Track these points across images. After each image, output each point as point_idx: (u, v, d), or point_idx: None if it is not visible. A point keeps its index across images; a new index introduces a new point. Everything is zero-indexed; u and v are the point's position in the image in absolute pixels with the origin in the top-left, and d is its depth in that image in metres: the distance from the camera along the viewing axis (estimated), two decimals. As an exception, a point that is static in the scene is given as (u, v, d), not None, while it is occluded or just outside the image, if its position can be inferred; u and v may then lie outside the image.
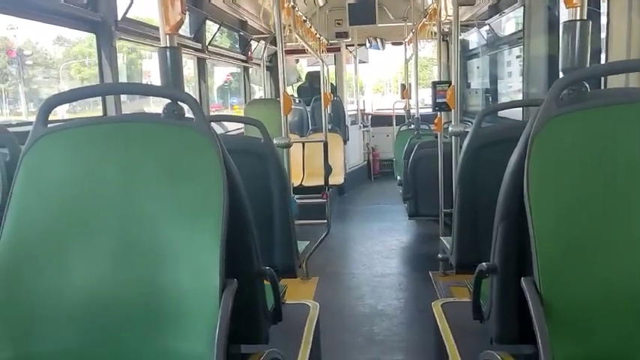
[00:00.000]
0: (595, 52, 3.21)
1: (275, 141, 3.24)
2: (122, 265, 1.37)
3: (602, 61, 2.95)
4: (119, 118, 1.73)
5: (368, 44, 8.94)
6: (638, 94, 1.39)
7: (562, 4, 1.59)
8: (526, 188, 1.31)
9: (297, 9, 5.14)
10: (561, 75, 1.55)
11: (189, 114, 1.42)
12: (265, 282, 1.80)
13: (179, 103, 1.43)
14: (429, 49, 8.71)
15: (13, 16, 2.67)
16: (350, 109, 9.25)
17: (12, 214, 1.37)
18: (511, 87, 6.08)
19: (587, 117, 1.32)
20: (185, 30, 4.95)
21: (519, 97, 4.98)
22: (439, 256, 4.15)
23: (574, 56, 1.46)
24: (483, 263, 1.59)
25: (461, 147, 2.80)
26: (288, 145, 3.31)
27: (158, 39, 1.63)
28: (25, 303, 1.36)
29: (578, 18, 1.46)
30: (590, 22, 1.46)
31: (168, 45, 1.56)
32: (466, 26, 6.62)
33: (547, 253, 1.28)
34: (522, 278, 1.31)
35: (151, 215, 1.37)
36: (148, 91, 1.67)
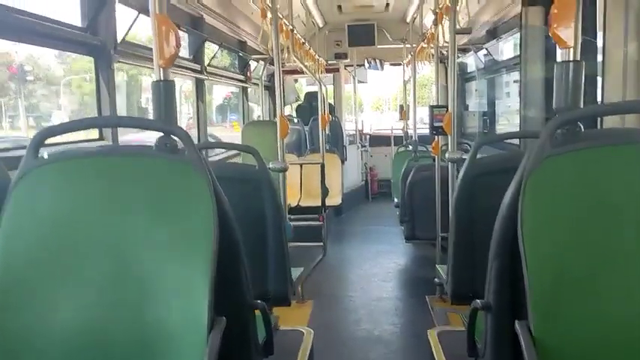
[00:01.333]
0: (592, 78, 3.23)
1: (271, 165, 3.24)
2: (110, 300, 1.36)
3: (599, 91, 2.96)
4: (111, 151, 1.72)
5: (367, 65, 9.00)
6: (633, 136, 1.39)
7: None
8: (520, 227, 1.31)
9: (295, 32, 5.18)
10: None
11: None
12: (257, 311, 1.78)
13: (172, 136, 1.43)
14: (428, 69, 8.77)
15: (13, 40, 2.68)
16: (348, 128, 9.28)
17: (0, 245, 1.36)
18: (510, 107, 6.10)
19: (581, 157, 1.32)
20: (184, 51, 4.98)
21: (517, 119, 5.00)
22: (436, 280, 4.11)
23: (567, 96, 1.47)
24: (478, 301, 1.58)
25: (458, 172, 2.80)
26: (284, 170, 3.31)
27: None
28: (11, 335, 1.34)
29: (571, 59, 1.47)
30: (584, 63, 1.46)
31: (162, 78, 1.56)
32: (464, 50, 6.67)
33: (541, 295, 1.27)
34: (516, 322, 1.30)
35: (140, 250, 1.36)
36: (141, 124, 1.67)
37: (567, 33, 1.44)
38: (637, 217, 1.29)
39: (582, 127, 1.37)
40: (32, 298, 1.35)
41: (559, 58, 1.49)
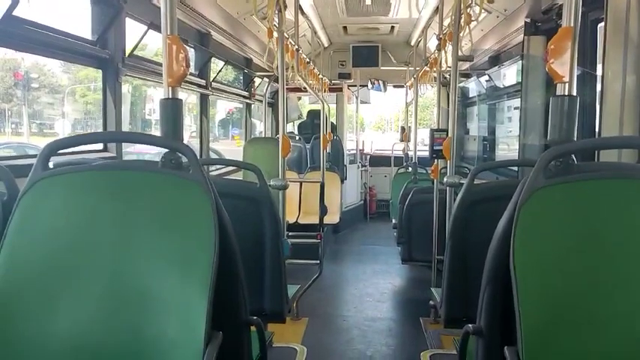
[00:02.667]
0: (591, 109, 3.29)
1: (272, 182, 3.28)
2: (110, 313, 1.38)
3: (597, 121, 3.00)
4: (117, 165, 1.76)
5: (370, 85, 9.08)
6: (624, 171, 1.43)
7: None
8: (512, 256, 1.34)
9: (301, 51, 5.25)
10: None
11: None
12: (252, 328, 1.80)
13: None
14: (430, 92, 8.85)
15: (24, 51, 2.74)
16: (349, 147, 9.34)
17: (4, 254, 1.39)
18: (510, 132, 6.15)
19: (573, 189, 1.35)
20: (190, 67, 5.04)
21: (516, 144, 5.05)
22: (430, 302, 4.13)
23: (561, 130, 1.51)
24: (470, 325, 1.60)
25: (456, 196, 2.83)
26: (284, 188, 3.34)
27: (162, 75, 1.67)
28: (12, 345, 1.36)
29: (566, 94, 1.51)
30: (578, 98, 1.51)
31: (170, 96, 1.61)
32: (466, 75, 6.75)
33: (531, 324, 1.29)
34: (506, 348, 1.32)
35: (140, 264, 1.39)
36: (147, 140, 1.71)
37: (563, 68, 1.48)
38: (627, 250, 1.32)
39: (576, 159, 1.41)
40: (33, 308, 1.37)
41: (558, 90, 1.53)
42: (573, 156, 1.41)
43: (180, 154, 1.49)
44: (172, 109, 1.60)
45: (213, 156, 5.84)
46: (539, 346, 1.28)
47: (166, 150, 1.50)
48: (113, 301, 1.38)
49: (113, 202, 1.43)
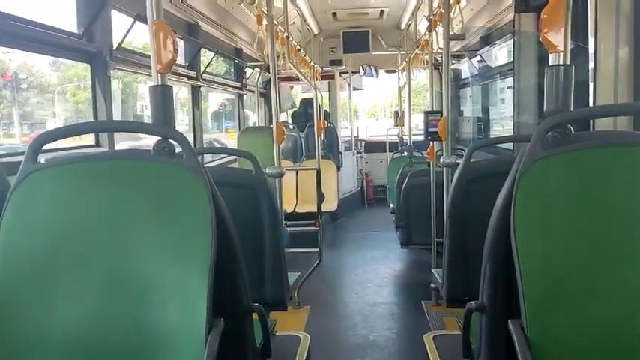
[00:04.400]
0: (583, 83, 3.27)
1: (267, 171, 3.26)
2: (109, 303, 1.37)
3: (590, 95, 2.99)
4: (109, 155, 1.74)
5: (362, 72, 9.04)
6: (622, 138, 1.42)
7: None
8: (512, 229, 1.33)
9: (291, 38, 5.21)
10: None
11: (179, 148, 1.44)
12: (254, 315, 1.80)
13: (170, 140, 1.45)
14: (422, 76, 8.83)
15: (8, 47, 2.70)
16: (344, 135, 9.32)
17: (0, 248, 1.37)
18: (504, 113, 6.14)
19: (572, 159, 1.34)
20: (180, 59, 5.00)
21: (511, 124, 5.04)
22: (431, 285, 4.13)
23: (557, 100, 1.49)
24: (472, 302, 1.60)
25: (452, 177, 2.82)
26: (280, 175, 3.32)
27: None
28: (10, 340, 1.35)
29: (561, 63, 1.49)
30: (573, 67, 1.49)
31: (159, 83, 1.58)
32: (458, 56, 6.72)
33: (533, 295, 1.29)
34: (509, 320, 1.31)
35: (138, 253, 1.37)
36: (138, 128, 1.69)
37: (557, 38, 1.46)
38: (628, 217, 1.31)
39: (572, 129, 1.40)
40: (31, 302, 1.36)
41: (553, 60, 1.52)
42: (570, 126, 1.40)
43: (172, 142, 1.47)
44: (163, 96, 1.58)
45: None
46: (542, 317, 1.28)
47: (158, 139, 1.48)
48: (112, 292, 1.36)
49: (107, 192, 1.41)
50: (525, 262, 1.29)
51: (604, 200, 1.32)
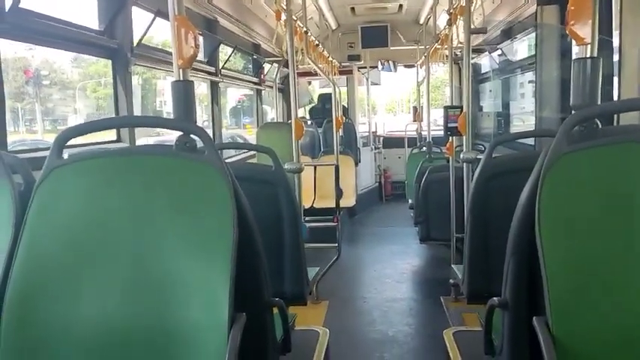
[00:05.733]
0: (608, 77, 3.21)
1: (286, 166, 3.26)
2: (132, 298, 1.38)
3: (615, 90, 2.93)
4: (132, 150, 1.75)
5: (380, 67, 8.99)
6: None
7: None
8: (537, 225, 1.31)
9: (309, 33, 5.19)
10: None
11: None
12: (274, 310, 1.80)
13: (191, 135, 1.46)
14: (441, 70, 8.74)
15: (32, 43, 2.74)
16: (362, 130, 9.28)
17: (25, 244, 1.39)
18: (524, 108, 6.06)
19: (599, 154, 1.31)
20: (199, 55, 5.02)
21: (532, 119, 4.97)
22: (451, 281, 4.09)
23: (585, 93, 1.46)
24: (495, 298, 1.58)
25: (473, 173, 2.79)
26: (299, 171, 3.32)
27: (172, 63, 1.66)
28: (35, 334, 1.36)
29: (588, 56, 1.46)
30: (601, 60, 1.46)
31: (181, 78, 1.59)
32: (478, 50, 6.64)
33: (559, 292, 1.27)
34: (534, 318, 1.29)
35: (161, 248, 1.38)
36: (160, 123, 1.70)
37: (584, 30, 1.43)
38: None
39: (600, 124, 1.37)
40: (56, 296, 1.38)
41: (580, 53, 1.48)
42: (597, 120, 1.37)
43: (194, 137, 1.47)
44: (184, 91, 1.58)
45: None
46: (567, 314, 1.26)
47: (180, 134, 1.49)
48: (135, 286, 1.37)
49: (130, 187, 1.42)
50: (550, 258, 1.27)
51: (632, 196, 1.29)
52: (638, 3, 2.63)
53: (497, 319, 1.65)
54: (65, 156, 1.47)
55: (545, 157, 1.34)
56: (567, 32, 1.46)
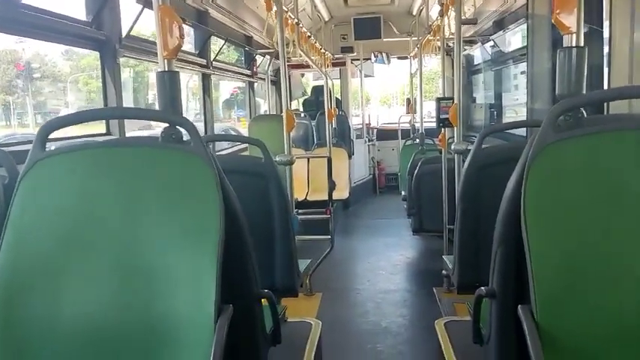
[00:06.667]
0: (598, 67, 3.21)
1: (277, 158, 3.25)
2: (118, 290, 1.37)
3: (605, 79, 2.94)
4: (117, 142, 1.74)
5: (373, 58, 8.97)
6: (636, 121, 1.39)
7: None
8: (523, 214, 1.31)
9: (301, 25, 5.17)
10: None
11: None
12: (265, 302, 1.80)
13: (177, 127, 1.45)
14: (434, 62, 8.74)
15: (17, 35, 2.70)
16: (355, 122, 9.27)
17: (9, 237, 1.38)
18: (517, 99, 6.06)
19: (584, 143, 1.31)
20: (190, 46, 4.99)
21: (524, 111, 4.97)
22: (443, 272, 4.12)
23: (570, 83, 1.46)
24: (482, 288, 1.58)
25: (464, 163, 2.79)
26: (290, 163, 3.31)
27: None
28: (20, 327, 1.35)
29: (574, 45, 1.46)
30: (586, 49, 1.45)
31: (166, 69, 1.57)
32: (470, 41, 6.63)
33: (544, 280, 1.27)
34: (519, 306, 1.30)
35: (147, 241, 1.37)
36: (146, 115, 1.68)
37: (570, 19, 1.43)
38: None
39: (585, 113, 1.37)
40: (40, 291, 1.37)
41: (565, 42, 1.48)
42: (583, 110, 1.36)
43: (180, 129, 1.46)
44: (170, 82, 1.57)
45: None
46: (552, 303, 1.26)
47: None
48: (121, 278, 1.37)
49: (115, 179, 1.41)
50: (535, 247, 1.27)
51: (617, 185, 1.29)
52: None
53: (485, 309, 1.66)
54: (52, 149, 1.46)
55: (531, 147, 1.34)
56: (553, 21, 1.45)
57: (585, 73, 1.46)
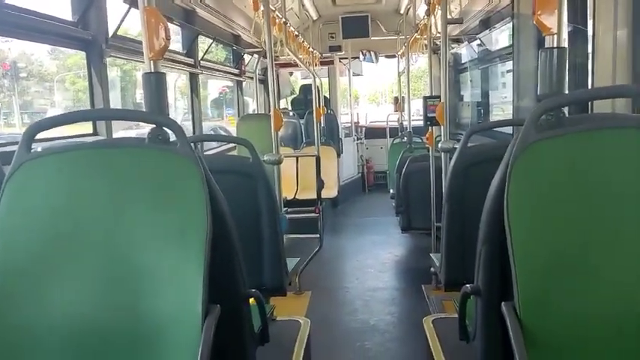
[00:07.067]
0: (583, 66, 3.25)
1: (265, 157, 3.26)
2: (106, 291, 1.38)
3: (589, 77, 2.97)
4: (103, 143, 1.74)
5: (361, 57, 8.99)
6: (616, 120, 1.41)
7: None
8: (506, 212, 1.33)
9: (289, 24, 5.17)
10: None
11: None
12: (253, 301, 1.81)
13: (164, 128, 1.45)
14: (423, 60, 8.78)
15: (2, 35, 2.68)
16: (344, 120, 9.29)
17: None
18: (505, 97, 6.10)
19: (566, 142, 1.34)
20: (178, 45, 4.97)
21: (511, 108, 5.01)
22: (431, 269, 4.15)
23: (552, 83, 1.48)
24: (468, 285, 1.60)
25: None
26: (278, 162, 3.32)
27: None
28: (8, 327, 1.35)
29: (555, 45, 1.48)
30: (567, 50, 1.48)
31: (152, 70, 1.57)
32: (458, 40, 6.67)
33: (527, 278, 1.29)
34: (503, 303, 1.32)
35: (134, 241, 1.37)
36: (132, 116, 1.69)
37: (551, 20, 1.45)
38: (621, 199, 1.31)
39: (567, 112, 1.39)
40: (26, 292, 1.36)
41: (547, 43, 1.50)
42: (565, 109, 1.39)
43: (167, 130, 1.47)
44: (156, 84, 1.57)
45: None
46: (534, 300, 1.29)
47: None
48: (108, 280, 1.37)
49: (102, 180, 1.41)
50: (518, 244, 1.30)
51: (597, 183, 1.32)
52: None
53: (471, 307, 1.68)
54: (39, 150, 1.46)
55: (514, 146, 1.36)
56: (534, 22, 1.47)
57: (566, 73, 1.49)
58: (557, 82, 1.47)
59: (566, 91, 1.51)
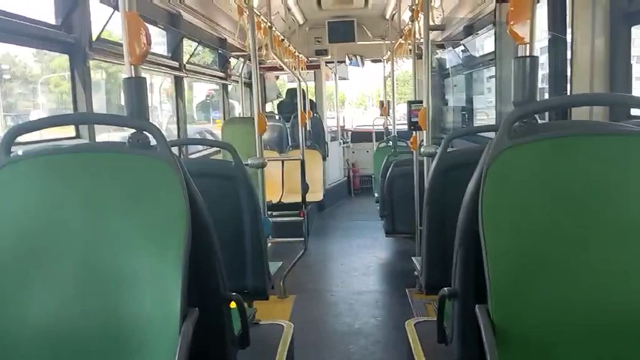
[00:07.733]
0: (562, 73, 3.30)
1: (249, 161, 3.27)
2: (84, 294, 1.38)
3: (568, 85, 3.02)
4: (83, 147, 1.74)
5: (348, 61, 9.04)
6: (589, 127, 1.45)
7: None
8: (480, 216, 1.36)
9: (274, 29, 5.19)
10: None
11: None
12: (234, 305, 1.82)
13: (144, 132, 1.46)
14: (408, 65, 8.84)
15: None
16: (330, 124, 9.32)
17: None
18: (490, 102, 6.16)
19: (537, 148, 1.37)
20: (163, 48, 4.97)
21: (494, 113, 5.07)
22: (415, 273, 4.18)
23: (525, 90, 1.52)
24: (445, 288, 1.63)
25: None
26: (262, 166, 3.33)
27: None
28: None
29: (527, 54, 1.52)
30: (539, 58, 1.52)
31: (133, 75, 1.59)
32: (442, 46, 6.73)
33: (499, 280, 1.32)
34: (477, 305, 1.35)
35: (113, 244, 1.38)
36: (113, 121, 1.69)
37: (524, 30, 1.49)
38: (591, 203, 1.35)
39: (547, 118, 1.43)
40: (6, 293, 1.37)
41: (520, 52, 1.54)
42: (537, 116, 1.43)
43: (147, 134, 1.48)
44: (136, 88, 1.58)
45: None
46: (507, 302, 1.32)
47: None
48: (86, 283, 1.38)
49: (81, 183, 1.42)
50: (491, 248, 1.33)
51: (568, 187, 1.35)
52: (588, 0, 2.71)
53: (450, 308, 1.71)
54: (20, 153, 1.46)
55: (488, 152, 1.39)
56: (508, 32, 1.51)
57: (538, 81, 1.53)
58: (529, 89, 1.51)
59: (538, 99, 1.55)
